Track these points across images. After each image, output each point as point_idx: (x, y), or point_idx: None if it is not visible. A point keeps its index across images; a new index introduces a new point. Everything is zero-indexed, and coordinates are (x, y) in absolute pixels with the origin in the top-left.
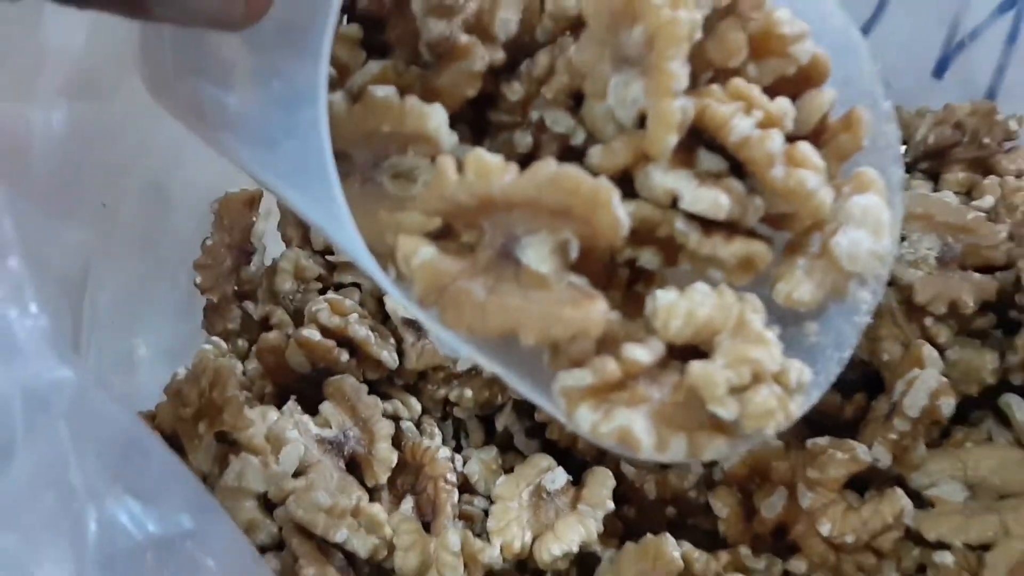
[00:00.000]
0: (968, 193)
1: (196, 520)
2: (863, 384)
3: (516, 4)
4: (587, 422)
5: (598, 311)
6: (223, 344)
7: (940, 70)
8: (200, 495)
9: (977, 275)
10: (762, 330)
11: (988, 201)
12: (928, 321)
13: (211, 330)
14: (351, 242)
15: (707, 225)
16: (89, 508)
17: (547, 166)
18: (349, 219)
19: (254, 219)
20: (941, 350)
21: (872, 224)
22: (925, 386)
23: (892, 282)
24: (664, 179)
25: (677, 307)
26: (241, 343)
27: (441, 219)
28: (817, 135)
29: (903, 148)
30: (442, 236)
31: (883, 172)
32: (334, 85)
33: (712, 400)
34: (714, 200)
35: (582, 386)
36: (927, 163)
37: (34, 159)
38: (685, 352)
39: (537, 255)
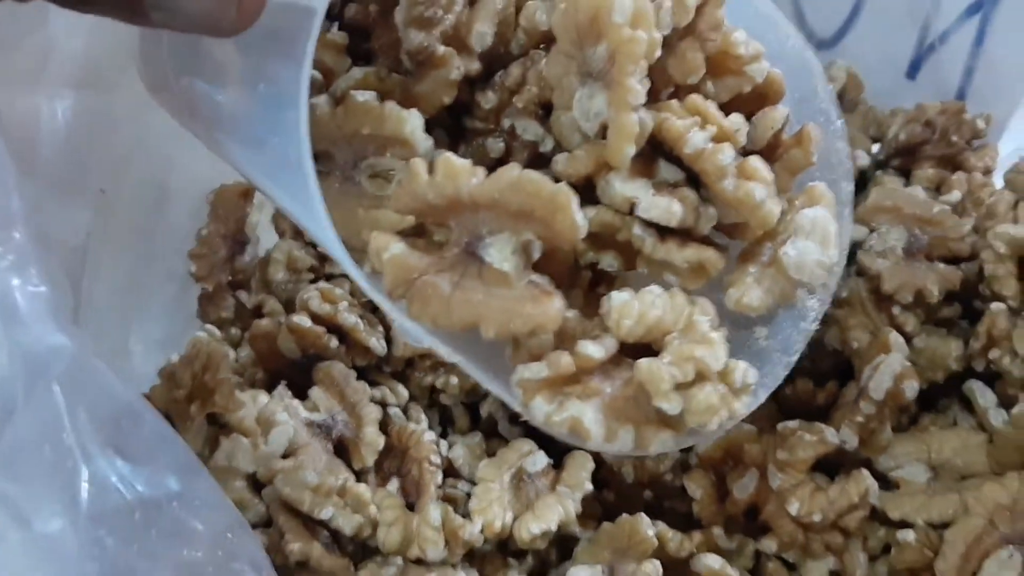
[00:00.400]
0: (937, 188)
1: (183, 483)
2: (835, 373)
3: (492, 18)
4: (541, 412)
5: (555, 308)
6: (217, 332)
7: (913, 71)
8: (188, 459)
9: (942, 266)
10: (708, 331)
11: (955, 196)
12: (896, 310)
13: (205, 318)
14: (325, 236)
15: (663, 231)
16: (81, 467)
17: (511, 170)
18: (325, 214)
19: (248, 210)
20: (908, 338)
21: (820, 236)
22: (890, 369)
23: (861, 272)
24: (623, 187)
25: (630, 307)
26: (234, 331)
27: (414, 218)
28: (772, 150)
29: (877, 146)
30: (416, 234)
31: (834, 187)
32: (319, 88)
33: (657, 395)
34: (667, 207)
35: (538, 378)
36: (899, 160)
37: (40, 145)
38: (639, 351)
39: (500, 254)
